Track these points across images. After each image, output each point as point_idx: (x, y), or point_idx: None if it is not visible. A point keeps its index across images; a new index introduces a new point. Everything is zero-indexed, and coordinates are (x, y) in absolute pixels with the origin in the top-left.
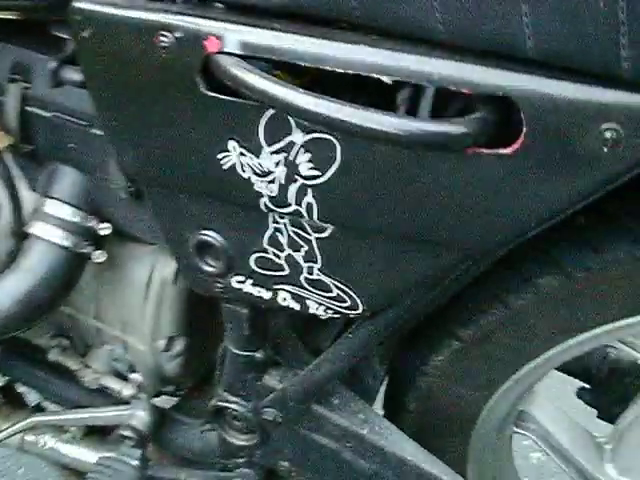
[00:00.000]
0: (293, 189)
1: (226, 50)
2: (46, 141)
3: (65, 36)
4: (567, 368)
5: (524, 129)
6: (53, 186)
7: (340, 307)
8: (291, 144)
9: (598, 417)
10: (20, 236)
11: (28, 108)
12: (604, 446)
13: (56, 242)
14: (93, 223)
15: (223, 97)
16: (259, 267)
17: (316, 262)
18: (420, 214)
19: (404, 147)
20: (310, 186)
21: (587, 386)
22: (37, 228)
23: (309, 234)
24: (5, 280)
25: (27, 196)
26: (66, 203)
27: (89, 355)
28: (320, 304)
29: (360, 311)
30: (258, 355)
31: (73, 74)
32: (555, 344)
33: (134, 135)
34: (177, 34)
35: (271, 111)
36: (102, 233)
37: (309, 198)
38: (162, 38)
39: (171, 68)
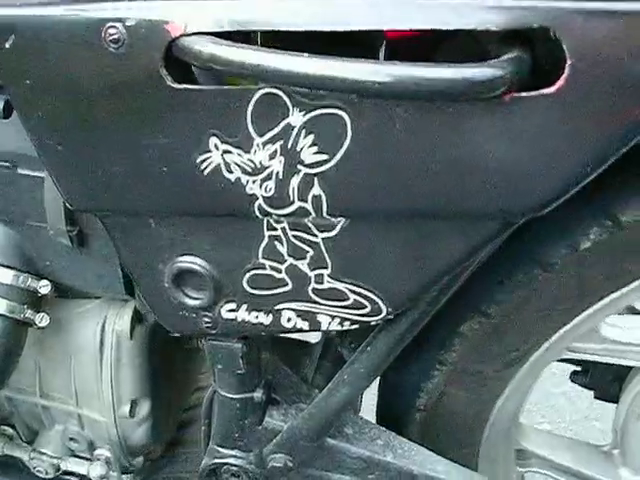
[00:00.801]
0: (295, 182)
1: (193, 31)
2: None
3: None
4: None
5: (568, 62)
6: None
7: (359, 315)
8: (288, 128)
9: (595, 397)
10: None
11: None
12: (611, 452)
13: None
14: (30, 282)
15: (198, 87)
16: (255, 288)
17: (326, 267)
18: (453, 182)
19: (433, 100)
20: (316, 175)
21: (579, 369)
22: None
23: (315, 235)
24: None
25: None
26: None
27: (38, 440)
28: (334, 317)
29: (383, 315)
30: (257, 395)
31: None
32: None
33: (86, 158)
34: (129, 23)
35: (259, 93)
36: (42, 292)
37: (316, 190)
38: (111, 31)
39: (126, 66)
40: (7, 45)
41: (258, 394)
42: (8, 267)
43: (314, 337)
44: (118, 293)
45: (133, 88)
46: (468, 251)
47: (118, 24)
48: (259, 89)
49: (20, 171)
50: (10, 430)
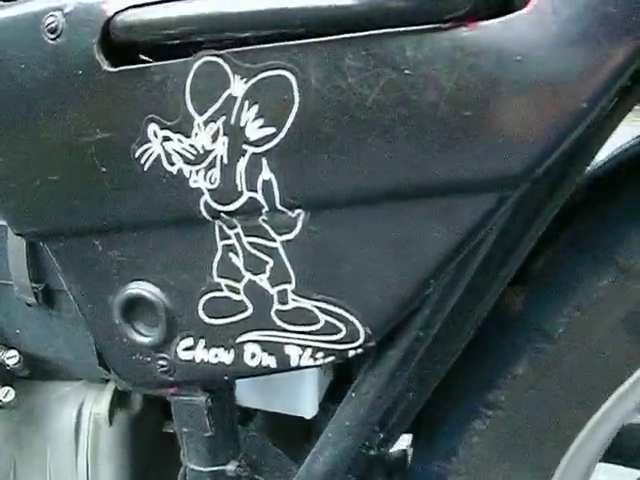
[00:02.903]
0: (241, 167)
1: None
2: None
3: None
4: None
5: None
6: None
7: (333, 342)
8: (230, 100)
9: None
10: None
11: None
12: None
13: None
14: None
15: (134, 67)
16: (212, 316)
17: (289, 282)
18: (430, 146)
19: (384, 27)
20: (264, 154)
21: None
22: None
23: (272, 240)
24: None
25: None
26: None
27: None
28: (305, 347)
29: (362, 340)
30: (230, 469)
31: None
32: None
33: (25, 167)
34: (67, 9)
35: (198, 63)
36: (9, 364)
37: (265, 173)
38: (49, 20)
39: (63, 57)
40: None
41: (232, 467)
42: None
43: (309, 412)
44: (91, 364)
45: (70, 79)
46: (458, 242)
47: (57, 13)
48: (197, 59)
49: None
50: None
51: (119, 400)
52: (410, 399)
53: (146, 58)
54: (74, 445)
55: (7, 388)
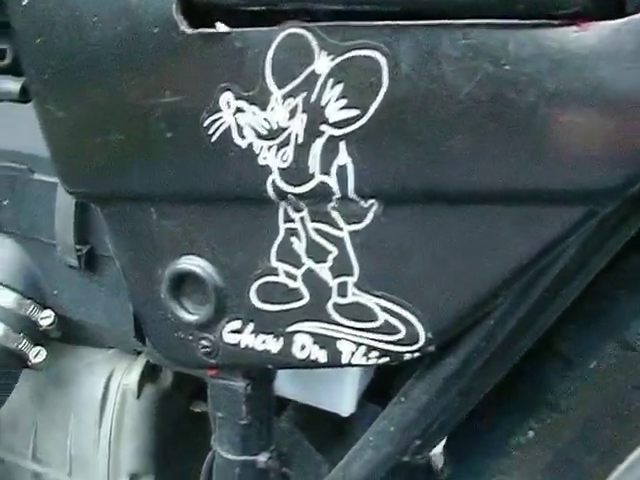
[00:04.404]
0: (317, 148)
1: None
2: None
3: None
4: None
5: None
6: None
7: (389, 343)
8: (313, 77)
9: None
10: None
11: None
12: None
13: None
14: (31, 310)
15: (213, 31)
16: (264, 301)
17: (351, 274)
18: (524, 150)
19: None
20: (343, 137)
21: None
22: None
23: (340, 229)
24: None
25: None
26: None
27: None
28: (359, 344)
29: (422, 343)
30: (261, 459)
31: (9, 85)
32: None
33: (86, 125)
34: None
35: (282, 34)
36: (43, 324)
37: (342, 158)
38: None
39: (138, 14)
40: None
41: (263, 458)
42: (11, 289)
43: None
44: (126, 334)
45: (143, 37)
46: (536, 254)
47: None
48: (282, 30)
49: (34, 176)
50: None
51: (149, 374)
52: (453, 409)
53: (222, 25)
54: (99, 414)
55: (39, 348)
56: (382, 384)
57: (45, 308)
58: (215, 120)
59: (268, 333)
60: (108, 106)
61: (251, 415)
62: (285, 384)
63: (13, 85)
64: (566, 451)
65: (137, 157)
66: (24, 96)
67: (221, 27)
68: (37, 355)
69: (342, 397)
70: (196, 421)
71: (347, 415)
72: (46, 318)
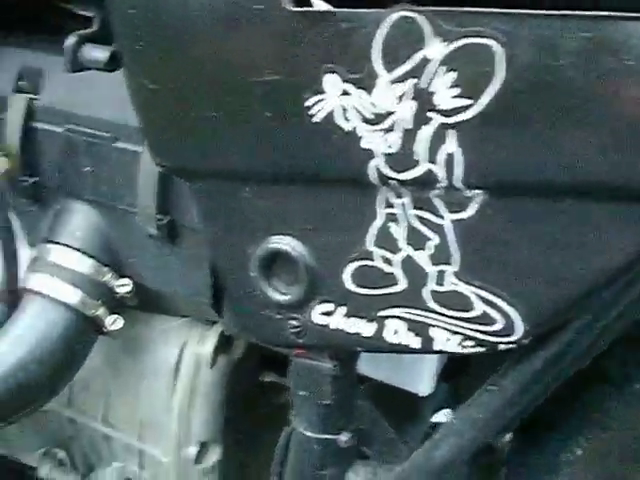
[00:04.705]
0: (424, 135)
1: None
2: (54, 167)
3: (86, 13)
4: None
5: None
6: (58, 229)
7: (485, 333)
8: (424, 62)
9: None
10: (13, 294)
11: (34, 124)
12: None
13: (60, 299)
14: (108, 277)
15: (319, 9)
16: (358, 284)
17: (450, 263)
18: None
19: None
20: (453, 126)
21: None
22: (35, 281)
23: (441, 217)
24: None
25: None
26: (75, 250)
27: (93, 476)
28: (454, 333)
29: (518, 336)
30: (342, 439)
31: (97, 53)
32: None
33: (180, 99)
34: None
35: (394, 16)
36: (120, 292)
37: (450, 146)
38: None
39: None
40: None
41: (344, 438)
42: (90, 256)
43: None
44: (204, 303)
45: (246, 13)
46: None
47: None
48: (393, 12)
49: (118, 144)
50: (62, 454)
51: (223, 344)
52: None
53: (321, 3)
54: (172, 382)
55: (115, 316)
56: (451, 365)
57: (121, 276)
58: (318, 101)
59: (360, 317)
60: (204, 81)
61: (335, 395)
62: (365, 363)
63: (101, 54)
64: (614, 470)
65: (233, 135)
66: (112, 65)
67: (320, 5)
68: (114, 323)
69: (421, 377)
70: (264, 391)
71: (425, 394)
72: (124, 286)
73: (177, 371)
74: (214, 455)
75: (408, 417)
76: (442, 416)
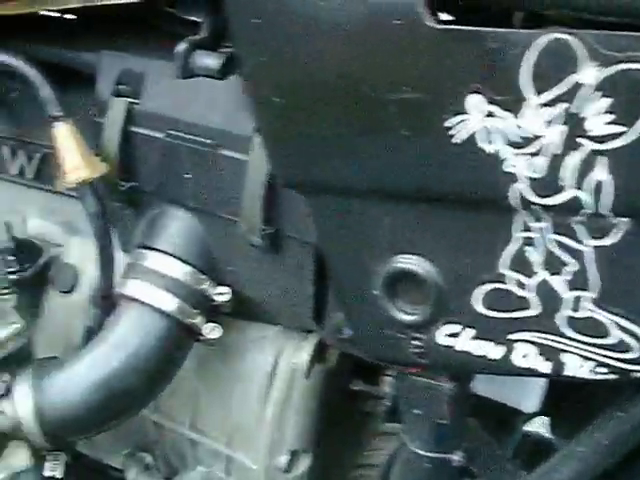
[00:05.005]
0: (573, 161)
1: None
2: (153, 172)
3: (194, 18)
4: None
5: None
6: (155, 235)
7: (619, 361)
8: (576, 87)
9: None
10: (108, 300)
11: (134, 128)
12: None
13: (157, 306)
14: (206, 285)
15: (465, 28)
16: (488, 307)
17: (588, 289)
18: None
19: None
20: (604, 153)
21: None
22: (132, 287)
23: (581, 242)
24: (84, 357)
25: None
26: (172, 256)
27: (177, 478)
28: (587, 359)
29: None
30: (454, 457)
31: (209, 60)
32: None
33: (307, 114)
34: None
35: (545, 38)
36: (218, 300)
37: (600, 173)
38: None
39: (382, 5)
40: None
41: (457, 457)
42: (188, 263)
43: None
44: (303, 315)
45: (382, 28)
46: None
47: None
48: (545, 34)
49: (222, 152)
50: (149, 458)
51: (318, 353)
52: None
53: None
54: (265, 390)
55: (214, 324)
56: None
57: (218, 284)
58: (460, 122)
59: (488, 340)
60: (335, 96)
61: (453, 416)
62: (475, 381)
63: (212, 61)
64: None
65: (362, 151)
66: (224, 73)
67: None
68: (212, 331)
69: (529, 395)
70: (353, 399)
71: (531, 411)
72: (222, 294)
73: (272, 380)
74: (303, 464)
75: (500, 427)
76: (537, 425)
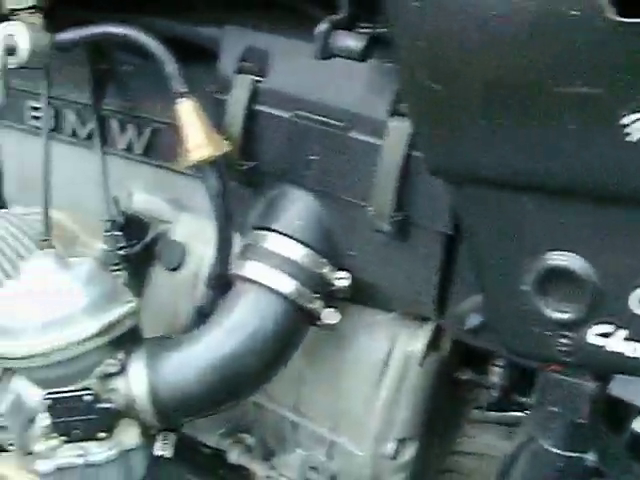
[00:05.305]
0: None
1: None
2: (276, 152)
3: None
4: None
5: None
6: (275, 216)
7: None
8: None
9: None
10: (222, 280)
11: (258, 107)
12: None
13: (275, 288)
14: (326, 269)
15: None
16: None
17: None
18: None
19: None
20: None
21: None
22: (250, 269)
23: None
24: (201, 338)
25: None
26: (292, 238)
27: (275, 461)
28: None
29: None
30: (590, 459)
31: (351, 41)
32: None
33: (468, 102)
34: None
35: None
36: (338, 285)
37: None
38: None
39: None
40: None
41: (591, 457)
42: (308, 246)
43: None
44: (425, 304)
45: (558, 19)
46: None
47: None
48: None
49: (352, 134)
50: (251, 439)
51: (433, 342)
52: None
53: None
54: (378, 377)
55: (332, 310)
56: None
57: (338, 268)
58: (638, 120)
59: None
60: (500, 86)
61: (592, 415)
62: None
63: (354, 43)
64: None
65: (524, 144)
66: (365, 54)
67: None
68: (330, 316)
69: None
70: (458, 388)
71: None
72: (342, 279)
73: (385, 366)
74: (410, 451)
75: (611, 426)
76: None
